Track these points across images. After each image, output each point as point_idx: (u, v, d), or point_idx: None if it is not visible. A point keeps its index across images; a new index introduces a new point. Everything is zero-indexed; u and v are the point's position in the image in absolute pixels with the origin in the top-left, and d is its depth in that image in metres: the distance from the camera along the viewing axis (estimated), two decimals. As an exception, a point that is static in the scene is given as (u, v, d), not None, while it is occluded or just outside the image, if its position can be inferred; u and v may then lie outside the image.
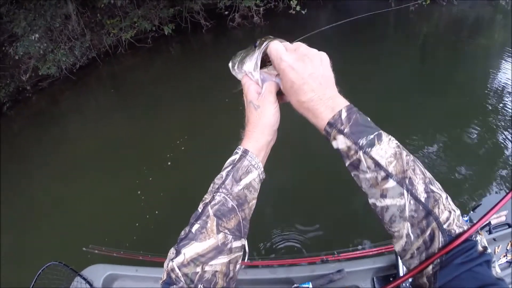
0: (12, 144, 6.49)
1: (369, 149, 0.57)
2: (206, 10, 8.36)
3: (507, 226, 1.98)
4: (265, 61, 0.71)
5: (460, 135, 4.39)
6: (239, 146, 0.71)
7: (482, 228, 1.94)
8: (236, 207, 0.64)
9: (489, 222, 1.94)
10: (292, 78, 0.63)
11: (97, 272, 2.26)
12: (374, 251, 2.00)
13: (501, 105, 4.84)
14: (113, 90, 7.51)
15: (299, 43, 0.68)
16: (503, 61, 6.09)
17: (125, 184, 4.50)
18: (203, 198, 0.66)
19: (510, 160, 3.91)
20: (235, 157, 0.69)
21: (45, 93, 8.06)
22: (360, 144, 0.57)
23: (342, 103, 0.62)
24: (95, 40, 8.27)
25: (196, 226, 0.61)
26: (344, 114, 0.60)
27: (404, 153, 0.58)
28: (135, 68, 8.14)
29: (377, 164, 0.56)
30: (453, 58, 6.50)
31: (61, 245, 3.75)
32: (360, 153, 0.57)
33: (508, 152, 4.01)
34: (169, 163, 4.68)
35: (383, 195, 0.57)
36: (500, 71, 5.78)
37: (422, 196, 0.54)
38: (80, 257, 2.72)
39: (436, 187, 0.56)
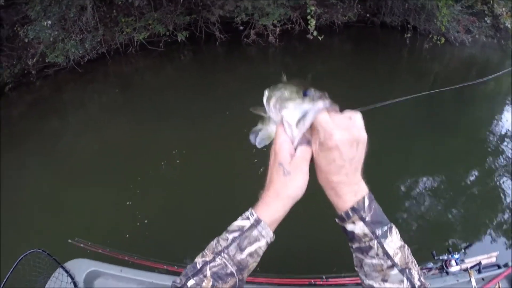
0: (10, 129, 6.33)
1: (383, 240, 0.63)
2: (222, 22, 8.29)
3: (497, 267, 2.02)
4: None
5: (459, 178, 4.49)
6: (252, 211, 0.66)
7: (472, 268, 1.97)
8: (235, 272, 0.63)
9: (480, 262, 1.97)
10: (335, 158, 0.61)
11: (80, 267, 2.21)
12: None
13: (501, 149, 4.96)
14: (118, 90, 7.40)
15: (352, 114, 0.63)
16: (507, 106, 6.26)
17: (117, 189, 4.48)
18: (204, 253, 0.66)
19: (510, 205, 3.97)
20: (245, 223, 0.65)
21: (49, 80, 7.93)
22: (377, 234, 0.63)
23: (364, 189, 0.65)
24: (107, 36, 8.16)
25: (191, 282, 0.62)
26: (366, 202, 0.64)
27: (406, 246, 0.66)
28: (144, 71, 8.05)
29: (386, 254, 0.63)
30: (459, 100, 6.52)
31: (45, 236, 3.71)
32: (375, 241, 0.63)
33: (504, 196, 4.10)
34: (163, 172, 4.68)
35: (385, 280, 0.64)
36: (503, 116, 5.96)
37: (417, 285, 0.63)
38: (63, 250, 2.62)
39: (423, 277, 0.66)
